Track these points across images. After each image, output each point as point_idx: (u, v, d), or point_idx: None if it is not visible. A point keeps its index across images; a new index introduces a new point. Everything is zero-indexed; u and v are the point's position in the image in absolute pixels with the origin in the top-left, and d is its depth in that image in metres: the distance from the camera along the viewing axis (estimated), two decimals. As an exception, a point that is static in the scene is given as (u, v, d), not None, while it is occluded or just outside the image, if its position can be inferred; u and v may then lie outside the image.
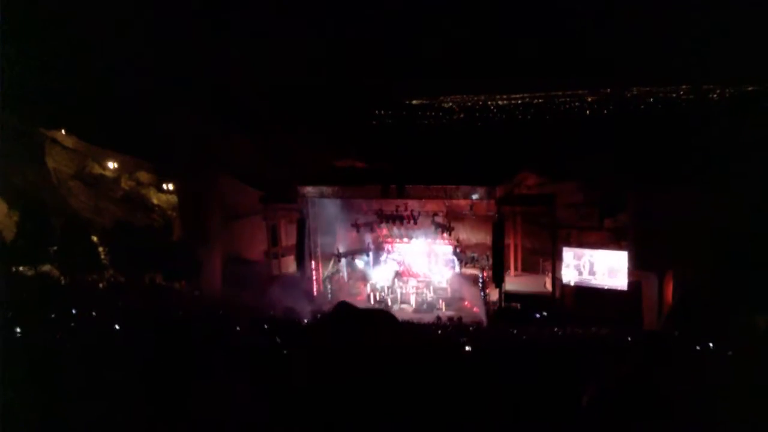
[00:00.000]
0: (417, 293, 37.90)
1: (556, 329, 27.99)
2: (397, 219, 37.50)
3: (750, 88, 79.52)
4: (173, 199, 43.06)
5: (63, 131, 43.51)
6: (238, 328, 22.60)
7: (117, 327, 20.30)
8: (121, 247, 35.79)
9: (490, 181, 35.68)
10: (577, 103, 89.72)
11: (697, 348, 19.10)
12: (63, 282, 34.41)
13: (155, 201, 43.58)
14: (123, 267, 36.08)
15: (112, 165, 44.11)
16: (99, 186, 42.84)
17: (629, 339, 22.81)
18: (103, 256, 36.72)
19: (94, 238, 37.54)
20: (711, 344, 19.52)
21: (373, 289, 38.84)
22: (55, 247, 35.68)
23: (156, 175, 44.23)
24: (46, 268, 35.89)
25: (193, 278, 36.62)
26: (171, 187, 43.51)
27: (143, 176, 44.27)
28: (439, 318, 32.45)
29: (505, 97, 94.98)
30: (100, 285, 35.20)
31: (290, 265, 40.27)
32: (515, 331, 27.54)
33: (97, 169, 43.55)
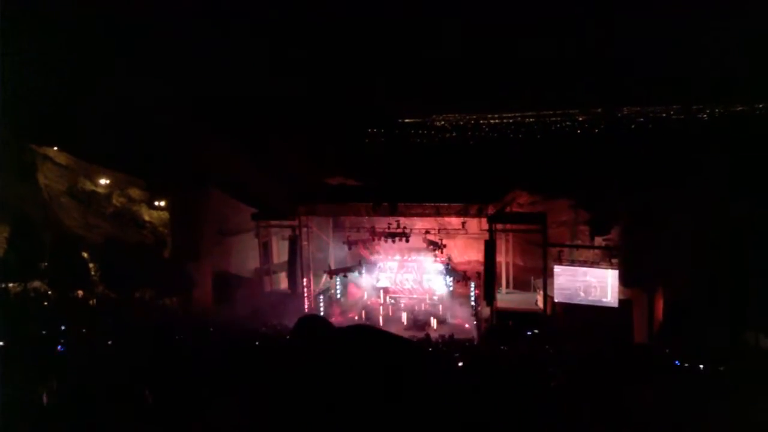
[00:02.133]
0: (408, 310, 37.90)
1: (547, 347, 28.01)
2: (389, 236, 37.54)
3: (739, 108, 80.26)
4: (165, 215, 42.96)
5: (55, 147, 43.45)
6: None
7: (108, 343, 20.29)
8: (111, 263, 35.70)
9: (481, 199, 35.91)
10: (568, 123, 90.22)
11: (686, 364, 19.21)
12: (53, 298, 34.27)
13: (146, 217, 43.45)
14: (114, 284, 35.95)
15: (103, 181, 44.03)
16: (90, 202, 42.71)
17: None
18: (93, 273, 36.60)
19: (85, 255, 37.41)
20: (701, 360, 19.64)
21: (365, 306, 38.84)
22: (46, 263, 35.55)
23: (147, 192, 44.16)
24: (36, 284, 35.74)
25: (185, 295, 36.51)
26: (162, 203, 43.45)
27: (135, 193, 44.17)
28: (428, 335, 32.40)
29: (496, 116, 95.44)
30: (91, 302, 35.07)
31: (282, 281, 40.28)
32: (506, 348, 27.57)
33: (89, 186, 43.43)
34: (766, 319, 24.90)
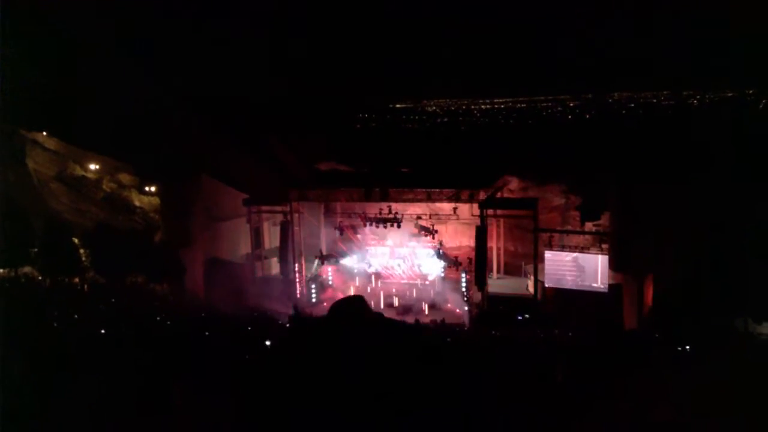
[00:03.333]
0: (399, 295, 38.01)
1: (537, 331, 28.23)
2: (380, 222, 37.55)
3: (729, 94, 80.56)
4: (155, 200, 42.88)
5: (44, 133, 43.17)
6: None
7: (102, 331, 20.27)
8: (102, 249, 35.58)
9: (473, 184, 35.97)
10: (559, 108, 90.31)
11: (676, 349, 19.39)
12: (44, 284, 34.19)
13: (137, 203, 43.36)
14: (105, 269, 35.85)
15: (93, 167, 43.85)
16: (80, 188, 42.52)
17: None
18: (84, 258, 36.48)
19: (76, 240, 37.27)
20: (689, 346, 19.84)
21: (356, 292, 38.89)
22: (36, 249, 35.40)
23: (138, 177, 44.03)
24: (27, 269, 35.62)
25: (176, 281, 36.46)
26: (153, 188, 43.33)
27: (125, 178, 44.05)
28: (417, 321, 32.41)
29: (487, 101, 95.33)
30: (81, 287, 35.02)
31: (274, 266, 40.26)
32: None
33: (79, 171, 43.23)
34: (754, 305, 25.14)
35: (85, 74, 44.63)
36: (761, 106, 71.24)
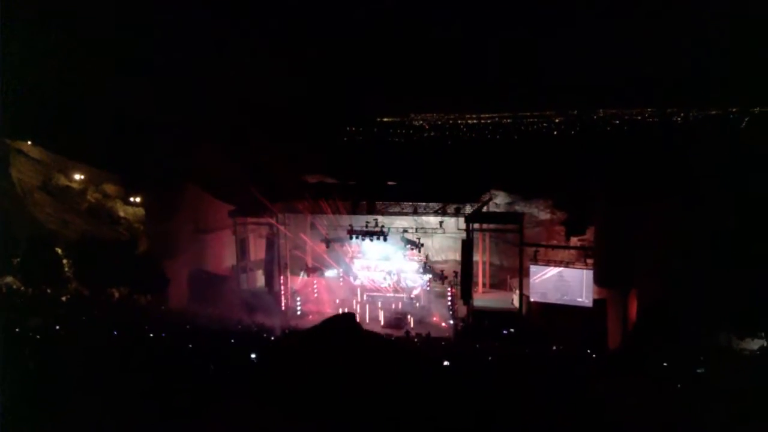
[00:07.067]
0: (385, 309, 37.91)
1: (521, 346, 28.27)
2: (367, 235, 37.46)
3: (713, 112, 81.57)
4: (140, 211, 42.64)
5: (29, 142, 42.86)
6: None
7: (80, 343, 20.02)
8: (86, 260, 35.27)
9: (459, 198, 36.08)
10: (545, 124, 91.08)
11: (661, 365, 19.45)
12: (26, 294, 33.79)
13: (122, 213, 43.07)
14: (88, 280, 35.53)
15: (78, 177, 43.56)
16: (64, 198, 42.20)
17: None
18: (67, 269, 36.13)
19: (59, 251, 36.92)
20: (673, 361, 19.92)
21: (342, 304, 38.77)
22: (19, 259, 35.05)
23: (123, 188, 43.79)
24: (9, 279, 35.24)
25: (160, 292, 36.18)
26: (138, 199, 43.11)
27: (110, 188, 43.79)
28: (408, 333, 32.46)
29: (474, 116, 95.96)
30: (63, 298, 34.66)
31: (259, 279, 40.07)
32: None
33: (63, 181, 42.93)
34: (738, 321, 25.29)
35: (74, 82, 44.43)
36: (743, 125, 72.13)
